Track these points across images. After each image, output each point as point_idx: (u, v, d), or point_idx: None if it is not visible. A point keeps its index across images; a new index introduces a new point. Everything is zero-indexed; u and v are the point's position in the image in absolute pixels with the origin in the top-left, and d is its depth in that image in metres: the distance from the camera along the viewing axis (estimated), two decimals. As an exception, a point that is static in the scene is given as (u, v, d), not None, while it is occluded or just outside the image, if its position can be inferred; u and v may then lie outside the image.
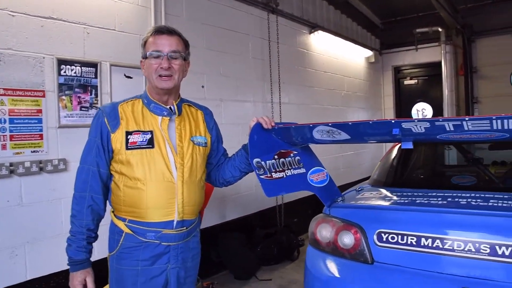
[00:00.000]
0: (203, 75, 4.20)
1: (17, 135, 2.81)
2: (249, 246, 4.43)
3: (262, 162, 1.98)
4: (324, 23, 6.19)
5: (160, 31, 1.82)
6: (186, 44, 1.89)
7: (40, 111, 2.93)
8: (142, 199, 1.75)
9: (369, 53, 7.51)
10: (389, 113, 8.23)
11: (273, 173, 2.01)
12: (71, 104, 3.08)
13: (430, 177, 3.19)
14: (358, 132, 1.91)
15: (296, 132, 2.04)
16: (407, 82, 8.26)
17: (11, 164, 2.76)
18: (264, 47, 5.00)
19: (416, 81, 8.21)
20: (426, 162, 3.38)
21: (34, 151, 2.89)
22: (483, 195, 2.10)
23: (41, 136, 2.93)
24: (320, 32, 5.95)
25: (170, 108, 1.85)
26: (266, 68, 5.02)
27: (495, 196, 2.07)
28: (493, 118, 1.55)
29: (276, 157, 2.07)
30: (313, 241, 2.32)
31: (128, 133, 1.77)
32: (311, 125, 1.94)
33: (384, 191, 2.49)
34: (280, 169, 2.06)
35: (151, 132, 1.80)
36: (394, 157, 3.05)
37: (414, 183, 2.88)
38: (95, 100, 3.21)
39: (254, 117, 2.01)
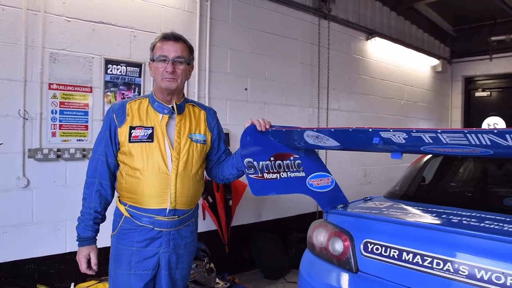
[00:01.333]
0: (247, 78, 4.37)
1: (65, 125, 3.18)
2: (282, 248, 4.50)
3: (254, 162, 2.07)
4: (383, 29, 6.06)
5: (167, 37, 1.99)
6: (190, 50, 2.05)
7: (87, 105, 3.28)
8: (139, 187, 1.94)
9: (435, 61, 7.16)
10: (456, 126, 7.77)
11: (265, 174, 2.09)
12: (115, 99, 3.40)
13: (450, 194, 3.04)
14: (343, 139, 1.93)
15: (289, 135, 2.10)
16: (479, 94, 7.73)
17: (58, 150, 3.14)
18: (314, 52, 5.05)
19: (489, 93, 7.66)
20: (453, 178, 3.21)
21: (79, 139, 3.26)
22: (484, 216, 2.00)
23: (86, 127, 3.29)
24: (377, 38, 5.84)
25: (172, 107, 2.02)
26: (315, 74, 5.06)
27: (496, 218, 1.96)
28: (466, 131, 1.50)
29: (272, 158, 2.14)
30: (310, 245, 2.37)
31: (131, 128, 1.97)
32: (299, 129, 2.00)
33: (390, 203, 2.45)
34: (275, 170, 2.14)
35: (152, 128, 1.98)
36: (418, 170, 2.96)
37: (433, 199, 2.77)
38: (138, 97, 3.50)
39: (249, 119, 2.11)
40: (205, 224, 3.98)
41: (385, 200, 2.56)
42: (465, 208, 2.20)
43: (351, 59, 5.66)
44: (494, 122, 7.47)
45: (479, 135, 1.49)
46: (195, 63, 3.91)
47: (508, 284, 1.60)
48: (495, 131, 1.43)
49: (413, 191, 2.79)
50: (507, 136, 1.43)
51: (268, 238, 4.44)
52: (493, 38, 6.89)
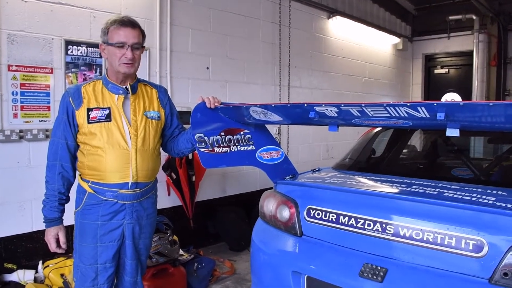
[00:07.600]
0: (208, 57, 4.47)
1: (27, 106, 3.24)
2: (246, 221, 4.69)
3: (205, 137, 2.22)
4: (345, 8, 6.21)
5: (124, 23, 2.05)
6: (143, 35, 2.15)
7: (48, 86, 3.34)
8: (102, 164, 2.07)
9: (396, 40, 7.40)
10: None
11: (215, 148, 2.25)
12: (77, 80, 3.46)
13: (399, 165, 3.27)
14: (284, 114, 2.09)
15: (238, 111, 2.25)
16: (438, 71, 8.05)
17: (20, 131, 3.20)
18: (275, 31, 5.17)
19: (447, 70, 7.98)
20: (403, 150, 3.45)
21: (42, 120, 3.32)
22: (420, 183, 2.19)
23: (48, 108, 3.35)
24: (338, 17, 5.99)
25: (125, 88, 2.13)
26: (276, 52, 5.20)
27: (422, 183, 2.17)
28: (385, 105, 1.68)
29: (222, 133, 2.29)
30: (261, 214, 2.54)
31: (89, 110, 2.08)
32: (245, 106, 2.15)
33: (335, 173, 2.65)
34: (225, 144, 2.30)
35: (109, 108, 2.10)
36: (367, 142, 3.17)
37: (382, 170, 2.97)
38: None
39: (200, 96, 2.24)
40: (170, 200, 4.13)
41: (331, 170, 2.76)
42: (415, 177, 2.33)
43: (313, 38, 5.81)
44: (452, 98, 7.84)
45: (397, 108, 1.67)
46: (156, 42, 3.99)
47: (425, 238, 1.82)
48: (408, 104, 1.61)
49: (361, 163, 3.00)
50: (419, 108, 1.62)
51: (233, 211, 4.62)
52: (451, 18, 7.14)
